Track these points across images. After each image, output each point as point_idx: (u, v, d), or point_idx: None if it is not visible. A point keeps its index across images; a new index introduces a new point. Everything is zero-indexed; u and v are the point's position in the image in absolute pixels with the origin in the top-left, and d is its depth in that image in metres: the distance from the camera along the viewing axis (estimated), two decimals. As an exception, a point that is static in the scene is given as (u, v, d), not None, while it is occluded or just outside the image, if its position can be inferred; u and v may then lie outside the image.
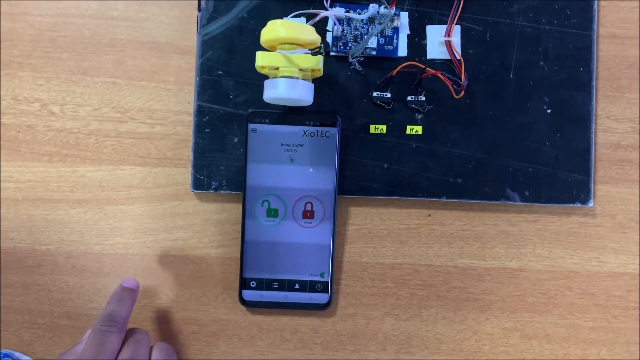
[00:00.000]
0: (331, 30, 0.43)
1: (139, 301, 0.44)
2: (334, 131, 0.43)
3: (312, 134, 0.43)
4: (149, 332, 0.42)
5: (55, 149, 0.44)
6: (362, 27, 0.43)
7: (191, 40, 0.44)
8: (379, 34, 0.43)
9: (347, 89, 0.43)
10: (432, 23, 0.43)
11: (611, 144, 0.44)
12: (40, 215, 0.44)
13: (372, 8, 0.43)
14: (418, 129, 0.43)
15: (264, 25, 0.39)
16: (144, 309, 0.44)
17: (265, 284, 0.43)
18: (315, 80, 0.42)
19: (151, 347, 0.40)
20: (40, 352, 0.44)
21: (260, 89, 0.41)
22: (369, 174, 0.43)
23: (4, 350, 0.42)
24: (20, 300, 0.44)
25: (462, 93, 0.41)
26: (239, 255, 0.43)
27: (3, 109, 0.45)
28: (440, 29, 0.43)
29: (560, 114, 0.43)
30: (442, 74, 0.41)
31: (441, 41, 0.43)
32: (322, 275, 0.43)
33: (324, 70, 0.41)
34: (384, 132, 0.43)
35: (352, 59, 0.43)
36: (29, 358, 0.43)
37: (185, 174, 0.44)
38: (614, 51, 0.44)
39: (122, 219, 0.44)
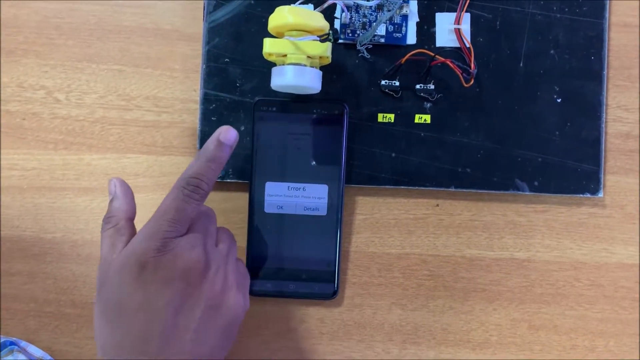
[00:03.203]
0: (339, 17, 0.43)
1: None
2: (342, 120, 0.42)
3: (320, 123, 0.42)
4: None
5: (60, 137, 0.44)
6: (371, 14, 0.43)
7: (197, 27, 0.44)
8: (387, 22, 0.43)
9: (355, 77, 0.43)
10: (442, 11, 0.43)
11: (621, 134, 0.44)
12: (45, 204, 0.44)
13: (381, -5, 0.42)
14: (426, 118, 0.43)
15: (271, 11, 0.39)
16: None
17: (271, 274, 0.43)
18: (323, 68, 0.41)
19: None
20: (46, 341, 0.43)
21: (267, 77, 0.40)
22: (376, 163, 0.43)
23: (9, 339, 0.42)
24: (26, 289, 0.44)
25: (472, 82, 0.41)
26: (245, 245, 0.43)
27: (8, 97, 0.44)
28: (450, 16, 0.43)
29: (570, 103, 0.43)
30: (451, 62, 0.40)
31: (450, 29, 0.43)
32: (328, 265, 0.43)
33: (331, 58, 0.40)
34: (392, 121, 0.43)
35: (361, 46, 0.42)
36: (34, 347, 0.43)
37: (191, 163, 0.44)
38: (625, 40, 0.44)
39: (128, 207, 0.44)
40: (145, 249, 0.34)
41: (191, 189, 0.35)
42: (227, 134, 0.37)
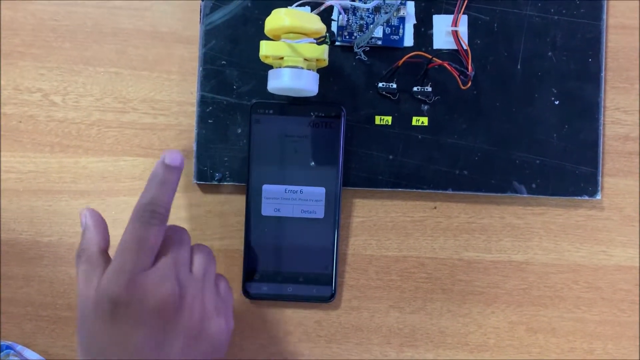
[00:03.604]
0: (336, 19, 0.43)
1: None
2: (339, 122, 0.42)
3: (317, 125, 0.42)
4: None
5: (57, 140, 0.44)
6: (368, 17, 0.43)
7: (194, 30, 0.44)
8: (384, 24, 0.43)
9: (352, 80, 0.43)
10: (439, 13, 0.43)
11: (620, 136, 0.44)
12: (41, 207, 0.44)
13: (378, -3, 0.42)
14: (424, 120, 0.43)
15: (268, 14, 0.38)
16: (146, 301, 0.44)
17: (269, 277, 0.43)
18: (320, 71, 0.41)
19: (191, 248, 0.37)
20: (42, 344, 0.43)
21: (264, 79, 0.40)
22: (373, 165, 0.43)
23: (5, 343, 0.42)
24: (22, 292, 0.44)
25: (469, 84, 0.41)
26: (242, 248, 0.43)
27: (5, 99, 0.44)
28: (447, 18, 0.43)
29: (568, 105, 0.43)
30: (448, 65, 0.40)
31: (448, 31, 0.42)
32: (326, 267, 0.42)
33: (328, 60, 0.40)
34: (390, 123, 0.43)
35: (358, 48, 0.42)
36: (30, 350, 0.43)
37: (188, 166, 0.44)
38: (623, 42, 0.44)
39: (125, 210, 0.44)
40: (115, 288, 0.33)
41: (148, 215, 0.35)
42: (171, 157, 0.36)
